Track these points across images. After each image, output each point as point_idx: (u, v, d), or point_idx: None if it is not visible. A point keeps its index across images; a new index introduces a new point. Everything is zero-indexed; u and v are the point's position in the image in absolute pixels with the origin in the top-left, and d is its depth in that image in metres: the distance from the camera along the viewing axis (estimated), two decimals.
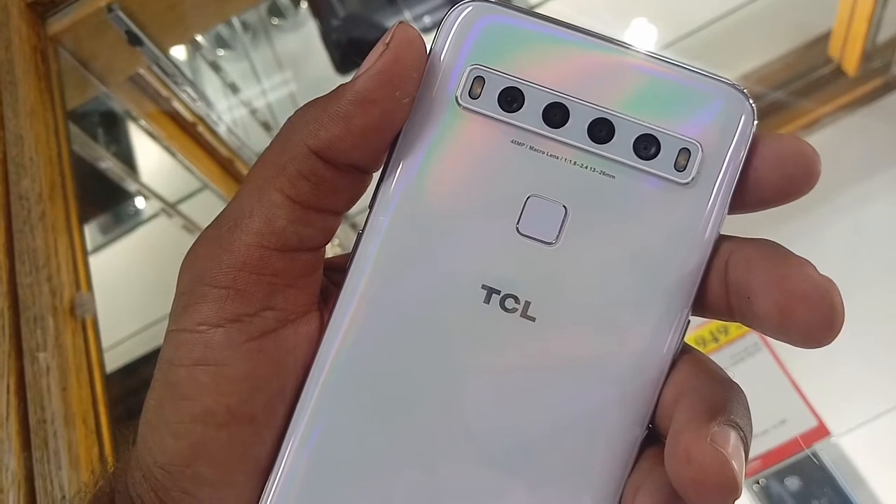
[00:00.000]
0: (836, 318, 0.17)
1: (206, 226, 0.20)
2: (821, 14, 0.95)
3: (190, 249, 0.20)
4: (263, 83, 1.07)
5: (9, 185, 0.43)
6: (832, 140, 0.93)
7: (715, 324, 0.85)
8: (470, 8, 0.19)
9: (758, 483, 0.78)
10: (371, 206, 0.20)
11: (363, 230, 0.20)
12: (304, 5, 1.16)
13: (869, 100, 0.95)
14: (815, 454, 0.78)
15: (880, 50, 0.93)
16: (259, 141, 0.90)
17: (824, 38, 0.96)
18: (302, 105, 0.19)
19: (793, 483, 0.77)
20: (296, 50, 1.13)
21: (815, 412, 0.79)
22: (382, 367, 0.19)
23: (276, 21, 1.16)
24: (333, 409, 0.19)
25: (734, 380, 0.19)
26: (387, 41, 0.18)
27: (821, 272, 0.17)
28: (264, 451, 0.19)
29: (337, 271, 0.21)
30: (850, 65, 0.93)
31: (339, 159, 0.19)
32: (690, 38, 0.99)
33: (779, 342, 0.18)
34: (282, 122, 0.20)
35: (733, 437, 0.17)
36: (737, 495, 0.16)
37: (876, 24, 0.88)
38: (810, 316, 0.17)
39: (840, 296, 0.17)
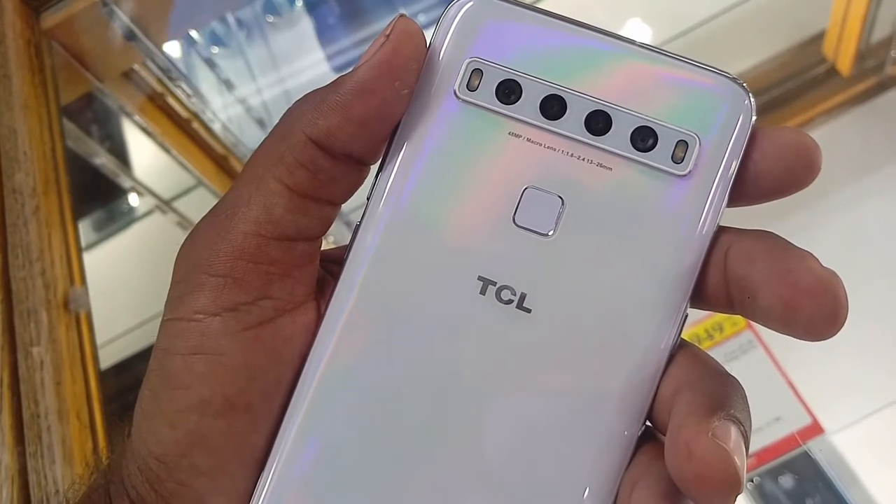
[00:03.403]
0: (840, 311, 0.17)
1: None
2: (815, 14, 0.96)
3: (187, 237, 0.20)
4: (258, 80, 1.07)
5: (2, 179, 0.43)
6: (826, 139, 0.93)
7: (709, 321, 0.86)
8: (470, 2, 0.20)
9: (752, 481, 0.78)
10: (369, 197, 0.20)
11: (360, 221, 0.20)
12: (298, 3, 1.16)
13: (863, 99, 0.95)
14: (809, 451, 0.78)
15: (874, 50, 0.93)
16: (254, 138, 0.90)
17: (818, 38, 0.97)
18: (301, 96, 0.19)
19: (787, 481, 0.78)
20: (291, 47, 1.13)
21: (810, 410, 0.80)
22: (378, 358, 0.19)
23: (270, 18, 1.16)
24: (329, 399, 0.19)
25: (732, 375, 0.19)
26: (387, 33, 0.18)
27: (823, 265, 0.17)
28: (260, 441, 0.19)
29: (334, 262, 0.21)
30: (845, 64, 0.94)
31: (337, 149, 0.19)
32: (685, 37, 1.00)
33: (773, 340, 0.18)
34: (276, 118, 0.20)
35: (734, 431, 0.16)
36: (739, 490, 0.16)
37: (870, 23, 0.89)
38: (815, 309, 0.17)
39: (844, 288, 0.17)
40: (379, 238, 0.19)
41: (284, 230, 0.19)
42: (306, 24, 1.12)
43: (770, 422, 0.79)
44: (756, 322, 0.18)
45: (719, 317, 0.83)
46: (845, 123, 0.94)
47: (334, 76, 0.20)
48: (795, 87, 0.95)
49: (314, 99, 0.19)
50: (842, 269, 0.17)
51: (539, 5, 0.20)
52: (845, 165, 0.91)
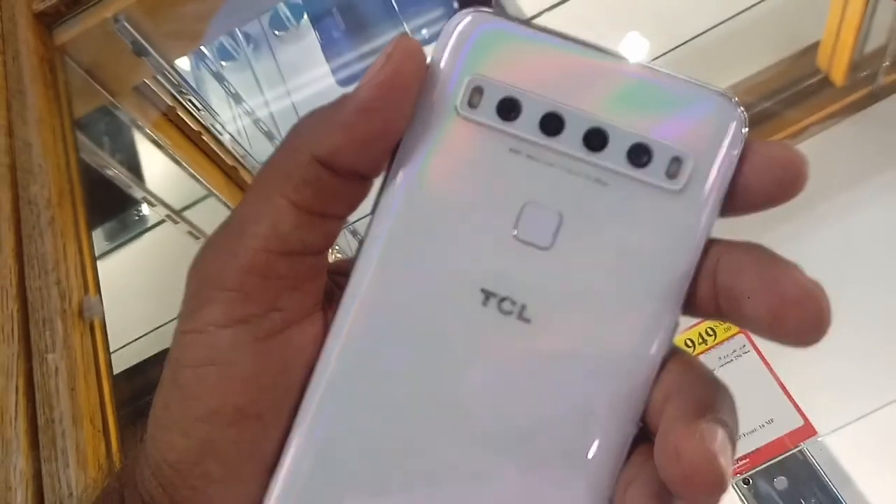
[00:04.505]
0: (824, 319, 0.17)
1: (210, 232, 0.20)
2: (809, 25, 0.96)
3: (198, 254, 0.20)
4: (266, 93, 1.08)
5: (18, 191, 0.43)
6: (820, 149, 0.93)
7: (703, 326, 0.86)
8: (468, 18, 0.20)
9: (746, 483, 0.78)
10: (373, 212, 0.20)
11: (365, 235, 0.20)
12: (304, 18, 1.17)
13: (856, 109, 0.95)
14: (801, 453, 0.78)
15: (867, 60, 0.93)
16: (262, 150, 0.90)
17: (813, 49, 0.96)
18: (306, 114, 0.20)
19: (780, 482, 0.78)
20: (297, 61, 1.14)
21: (802, 412, 0.80)
22: (384, 367, 0.20)
23: (277, 33, 1.17)
24: (335, 406, 0.20)
25: (721, 380, 0.19)
26: (389, 52, 0.19)
27: (808, 275, 0.18)
28: (271, 449, 0.20)
29: (341, 275, 0.21)
30: (838, 75, 0.94)
31: (341, 167, 0.19)
32: (681, 49, 1.00)
33: (766, 344, 0.18)
34: (284, 131, 0.20)
35: (720, 433, 0.17)
36: (724, 490, 0.17)
37: (863, 34, 0.89)
38: (801, 319, 0.17)
39: (827, 298, 0.17)
40: (382, 252, 0.20)
41: (291, 245, 0.19)
42: (312, 39, 1.13)
43: (763, 424, 0.80)
44: (744, 329, 0.19)
45: (712, 321, 0.83)
46: (838, 133, 0.94)
47: (339, 89, 0.20)
48: (789, 97, 0.94)
49: (319, 118, 0.19)
50: (834, 275, 0.18)
51: (539, 16, 0.21)
52: (838, 174, 0.91)
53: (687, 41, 1.00)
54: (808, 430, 0.79)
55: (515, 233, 0.20)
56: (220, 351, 0.19)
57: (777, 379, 0.81)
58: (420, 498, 0.19)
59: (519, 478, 0.19)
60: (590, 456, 0.19)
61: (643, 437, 0.20)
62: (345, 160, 0.19)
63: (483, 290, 0.19)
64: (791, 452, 0.78)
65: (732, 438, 0.18)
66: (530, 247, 0.20)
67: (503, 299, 0.19)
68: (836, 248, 0.88)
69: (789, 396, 0.80)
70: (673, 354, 0.20)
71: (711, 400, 0.18)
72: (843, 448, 0.78)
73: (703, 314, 0.20)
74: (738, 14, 0.98)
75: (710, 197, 0.19)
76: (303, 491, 0.19)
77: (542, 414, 0.19)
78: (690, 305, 0.20)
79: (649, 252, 0.19)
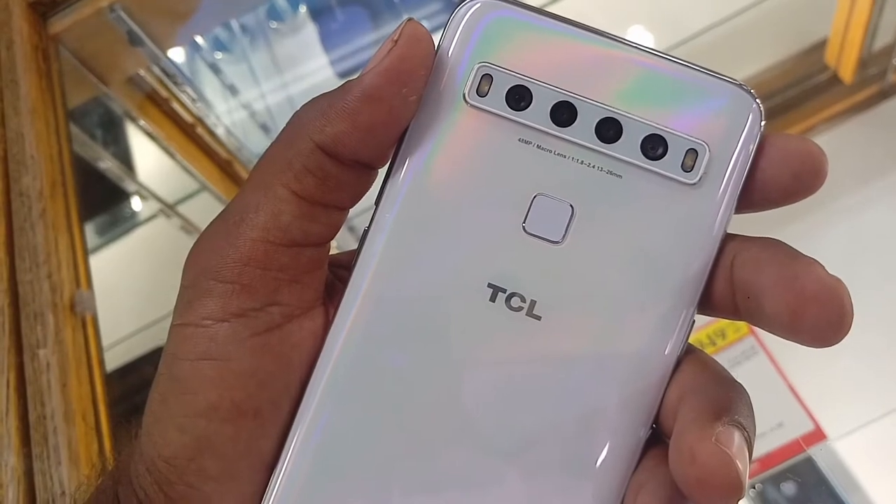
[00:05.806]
0: (846, 318, 0.17)
1: (204, 227, 0.20)
2: (817, 21, 0.96)
3: (195, 244, 0.20)
4: (262, 86, 1.07)
5: (10, 183, 0.43)
6: (828, 147, 0.92)
7: (712, 327, 0.86)
8: (478, 5, 0.19)
9: (754, 487, 0.78)
10: (377, 202, 0.20)
11: (369, 226, 0.20)
12: (302, 9, 1.16)
13: (865, 107, 0.95)
14: (811, 458, 0.78)
15: (876, 57, 0.94)
16: (258, 143, 0.90)
17: (821, 46, 0.97)
18: (308, 101, 0.19)
19: (789, 487, 0.78)
20: (294, 53, 1.14)
21: (812, 416, 0.80)
22: (387, 364, 0.19)
23: (274, 24, 1.16)
24: (338, 404, 0.19)
25: (738, 381, 0.19)
26: (395, 38, 0.18)
27: (829, 272, 0.17)
28: (269, 446, 0.19)
29: (343, 268, 0.21)
30: (847, 72, 0.94)
31: (345, 155, 0.19)
32: (687, 45, 1.00)
33: (775, 346, 0.18)
34: (280, 124, 0.20)
35: (737, 437, 0.17)
36: (741, 495, 0.16)
37: (872, 31, 0.89)
38: (821, 316, 0.17)
39: (849, 295, 0.17)
40: (387, 244, 0.19)
41: (293, 236, 0.19)
42: (310, 30, 1.12)
43: (772, 428, 0.79)
44: (762, 328, 0.18)
45: (722, 322, 0.83)
46: (847, 131, 0.94)
47: (338, 81, 0.20)
48: (797, 94, 0.95)
49: (321, 105, 0.19)
50: (844, 276, 0.17)
51: (549, 8, 0.20)
52: (847, 173, 0.91)
53: (693, 36, 1.00)
54: (817, 435, 0.79)
55: (525, 226, 0.19)
56: (217, 345, 0.18)
57: (787, 382, 0.81)
58: (422, 499, 0.19)
59: (526, 482, 0.19)
60: (600, 459, 0.19)
61: (655, 439, 0.19)
62: (348, 148, 0.19)
63: (491, 286, 0.19)
64: (800, 457, 0.78)
65: (749, 441, 0.17)
66: (540, 240, 0.19)
67: (512, 295, 0.19)
68: (846, 249, 0.88)
69: (799, 400, 0.80)
70: (688, 353, 0.19)
71: (728, 401, 0.18)
72: (854, 453, 0.78)
73: (720, 312, 0.19)
74: (745, 9, 0.98)
75: (726, 191, 0.19)
76: (302, 492, 0.19)
77: (550, 415, 0.19)
78: (706, 303, 0.19)
79: (664, 247, 0.19)
